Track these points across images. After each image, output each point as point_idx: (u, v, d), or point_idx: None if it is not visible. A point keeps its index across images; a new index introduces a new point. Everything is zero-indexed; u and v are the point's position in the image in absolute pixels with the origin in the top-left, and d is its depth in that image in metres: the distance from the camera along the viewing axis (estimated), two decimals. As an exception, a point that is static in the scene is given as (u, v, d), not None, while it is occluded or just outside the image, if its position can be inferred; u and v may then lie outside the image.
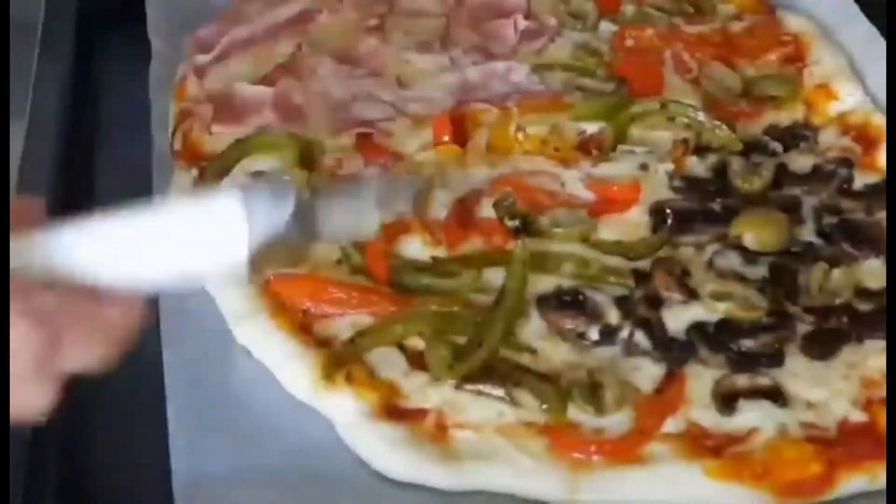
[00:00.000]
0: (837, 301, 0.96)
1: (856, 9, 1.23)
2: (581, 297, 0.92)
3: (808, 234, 1.02)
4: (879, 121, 1.12)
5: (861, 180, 1.07)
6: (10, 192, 0.96)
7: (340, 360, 0.86)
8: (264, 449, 0.83)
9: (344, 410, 0.84)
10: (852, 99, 1.15)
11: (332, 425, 0.85)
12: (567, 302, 0.92)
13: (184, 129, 1.06)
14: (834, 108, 1.15)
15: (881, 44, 1.18)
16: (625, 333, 0.90)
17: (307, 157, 1.03)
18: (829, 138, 1.12)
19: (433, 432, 0.84)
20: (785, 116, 1.15)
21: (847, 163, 1.08)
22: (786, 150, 1.11)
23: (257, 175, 1.01)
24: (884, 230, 1.02)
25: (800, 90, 1.17)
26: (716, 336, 0.91)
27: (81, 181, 1.11)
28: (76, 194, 1.09)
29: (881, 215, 1.03)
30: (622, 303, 0.92)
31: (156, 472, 0.82)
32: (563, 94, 1.12)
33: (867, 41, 1.19)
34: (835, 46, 1.21)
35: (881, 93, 1.15)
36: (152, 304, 0.89)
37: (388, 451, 0.82)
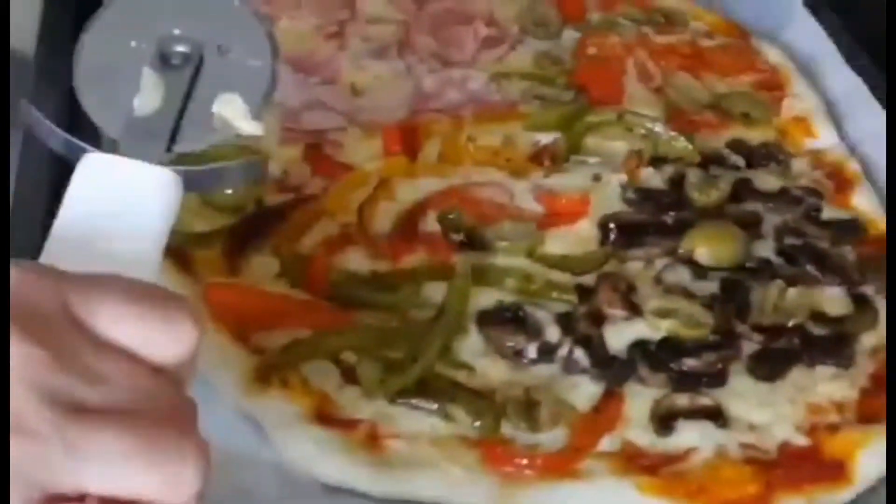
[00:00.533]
0: (791, 322, 0.94)
1: (839, 57, 1.21)
2: (521, 314, 0.91)
3: (765, 250, 1.00)
4: (855, 167, 1.10)
5: (830, 214, 1.05)
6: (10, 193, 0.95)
7: (275, 366, 0.85)
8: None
9: (276, 413, 0.83)
10: (829, 141, 1.14)
11: (263, 429, 0.83)
12: (507, 318, 0.90)
13: (133, 137, 1.05)
14: (809, 143, 1.13)
15: (864, 93, 1.15)
16: (564, 351, 0.89)
17: (256, 169, 1.02)
18: (801, 167, 1.10)
19: (365, 441, 0.82)
20: (755, 135, 1.13)
21: (817, 194, 1.06)
22: (753, 166, 1.09)
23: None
24: (851, 264, 0.99)
25: (774, 117, 1.15)
26: (657, 354, 0.89)
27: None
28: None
29: (847, 249, 1.01)
30: (564, 319, 0.90)
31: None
32: (519, 103, 1.11)
33: (851, 89, 1.17)
34: (814, 88, 1.19)
35: (861, 141, 1.13)
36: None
37: (318, 455, 0.81)
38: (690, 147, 1.07)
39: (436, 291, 0.92)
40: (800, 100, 1.17)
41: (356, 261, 0.95)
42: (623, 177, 1.04)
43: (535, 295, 0.93)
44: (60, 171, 1.04)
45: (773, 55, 1.23)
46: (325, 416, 0.83)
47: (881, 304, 0.96)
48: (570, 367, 0.88)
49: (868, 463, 0.84)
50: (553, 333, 0.90)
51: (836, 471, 0.84)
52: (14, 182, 0.97)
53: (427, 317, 0.90)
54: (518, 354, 0.89)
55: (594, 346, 0.89)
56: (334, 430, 0.82)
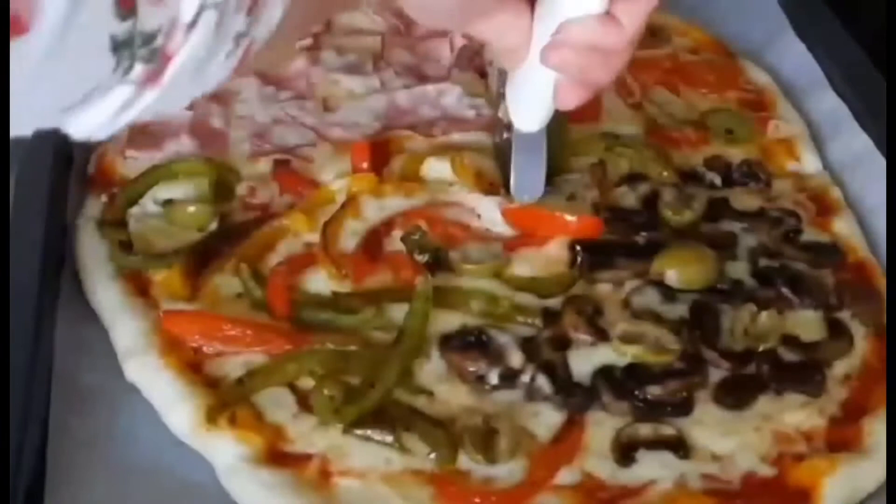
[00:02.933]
0: (761, 347, 0.91)
1: (823, 80, 1.18)
2: (484, 338, 0.89)
3: (739, 272, 0.97)
4: (837, 194, 1.07)
5: (810, 237, 1.02)
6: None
7: (226, 402, 0.84)
8: (143, 488, 0.81)
9: (224, 454, 0.82)
10: (813, 167, 1.11)
11: (214, 469, 0.82)
12: (470, 343, 0.89)
13: (99, 152, 1.04)
14: (792, 166, 1.11)
15: (847, 117, 1.13)
16: (526, 378, 0.87)
17: (223, 186, 1.01)
18: (783, 188, 1.08)
19: (316, 480, 0.81)
20: (737, 153, 1.11)
21: (796, 216, 1.03)
22: (732, 184, 1.07)
23: (167, 203, 0.99)
24: (829, 287, 0.97)
25: (759, 137, 1.13)
26: (622, 382, 0.87)
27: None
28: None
29: (826, 273, 0.98)
30: (527, 344, 0.89)
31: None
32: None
33: (832, 112, 1.15)
34: (800, 111, 1.17)
35: (842, 165, 1.11)
36: (48, 335, 0.89)
37: (266, 498, 0.79)
38: (667, 166, 1.05)
39: (399, 313, 0.90)
40: (786, 123, 1.15)
41: (319, 282, 0.94)
42: (598, 196, 1.02)
43: (500, 318, 0.91)
44: (60, 173, 1.04)
45: (759, 76, 1.21)
46: (276, 454, 0.82)
47: (856, 331, 0.94)
48: (532, 393, 0.86)
49: (833, 492, 0.82)
50: (516, 359, 0.88)
51: (799, 500, 0.82)
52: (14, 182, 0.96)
53: (389, 339, 0.89)
54: (480, 380, 0.87)
55: (557, 372, 0.87)
56: (284, 471, 0.80)
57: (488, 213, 0.99)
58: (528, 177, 0.97)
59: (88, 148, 1.05)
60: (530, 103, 0.89)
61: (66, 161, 1.04)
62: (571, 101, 0.83)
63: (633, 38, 0.79)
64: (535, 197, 0.98)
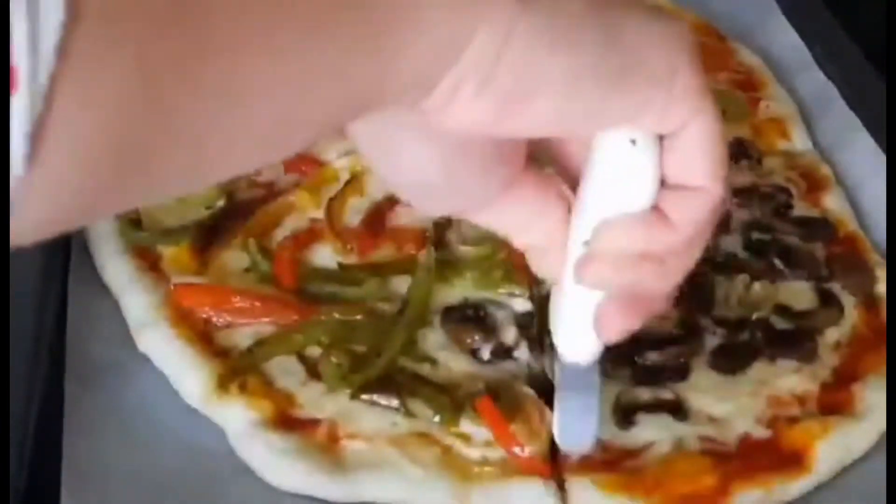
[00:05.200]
0: (754, 315, 0.94)
1: (811, 58, 1.21)
2: (482, 313, 0.91)
3: (733, 245, 1.01)
4: (826, 171, 1.10)
5: (801, 212, 1.05)
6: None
7: (236, 371, 0.86)
8: (158, 454, 0.83)
9: (235, 420, 0.84)
10: (803, 145, 1.14)
11: (226, 435, 0.85)
12: (468, 316, 0.91)
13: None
14: (782, 145, 1.14)
15: (836, 96, 1.16)
16: (521, 353, 0.89)
17: (229, 165, 1.03)
18: (774, 165, 1.11)
19: (325, 443, 0.83)
20: (729, 131, 1.13)
21: (787, 192, 1.07)
22: (722, 163, 1.10)
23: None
24: (819, 259, 1.00)
25: (751, 116, 1.16)
26: (621, 348, 0.89)
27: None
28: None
29: (817, 246, 1.01)
30: (524, 318, 0.91)
31: (48, 468, 0.80)
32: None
33: (821, 91, 1.18)
34: (789, 91, 1.20)
35: (830, 143, 1.14)
36: (61, 307, 0.91)
37: (277, 462, 0.81)
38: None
39: (402, 285, 0.93)
40: (777, 103, 1.18)
41: (325, 255, 0.96)
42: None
43: (492, 286, 0.93)
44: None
45: (749, 57, 1.24)
46: (286, 419, 0.84)
47: (847, 301, 0.97)
48: (531, 364, 0.89)
49: (826, 454, 0.85)
50: (510, 335, 0.90)
51: (793, 461, 0.84)
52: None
53: (393, 310, 0.91)
54: (473, 354, 0.89)
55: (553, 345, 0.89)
56: (294, 435, 0.83)
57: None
58: (576, 421, 0.75)
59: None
60: (575, 328, 0.70)
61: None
62: (614, 330, 0.67)
63: (692, 237, 0.63)
64: (584, 448, 0.78)
